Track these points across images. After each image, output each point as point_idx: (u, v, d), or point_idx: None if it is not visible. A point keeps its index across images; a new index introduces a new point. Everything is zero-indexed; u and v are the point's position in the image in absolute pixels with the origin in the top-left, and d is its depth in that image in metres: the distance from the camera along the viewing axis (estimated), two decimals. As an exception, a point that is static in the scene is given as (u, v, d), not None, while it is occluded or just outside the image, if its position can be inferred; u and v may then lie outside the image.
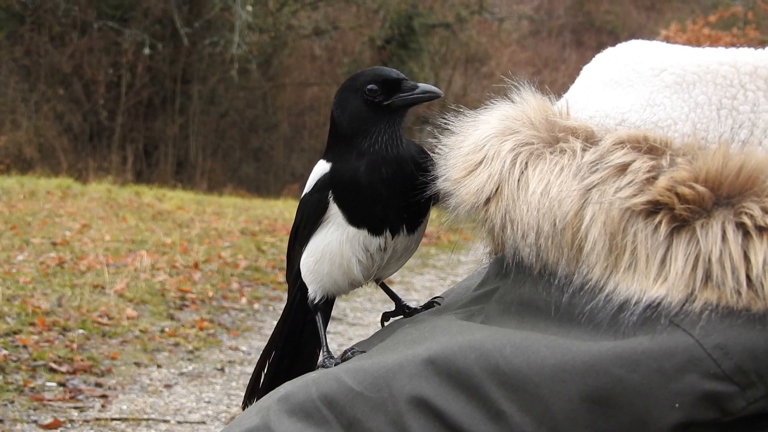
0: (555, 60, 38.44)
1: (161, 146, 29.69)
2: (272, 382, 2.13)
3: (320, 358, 2.01)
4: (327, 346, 2.04)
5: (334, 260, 1.94)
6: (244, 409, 2.17)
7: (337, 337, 8.61)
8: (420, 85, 1.96)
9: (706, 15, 30.30)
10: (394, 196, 1.85)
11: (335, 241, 1.93)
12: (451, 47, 32.60)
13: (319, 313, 2.07)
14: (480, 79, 32.40)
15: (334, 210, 1.92)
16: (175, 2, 28.56)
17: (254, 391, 2.18)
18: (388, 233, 1.90)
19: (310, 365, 2.20)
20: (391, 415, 1.36)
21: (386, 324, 2.03)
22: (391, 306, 2.08)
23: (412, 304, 2.09)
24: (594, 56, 1.69)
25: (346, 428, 1.39)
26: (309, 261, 1.98)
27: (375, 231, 1.90)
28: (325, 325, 2.12)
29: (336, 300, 2.14)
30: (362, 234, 1.91)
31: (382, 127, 1.94)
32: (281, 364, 2.18)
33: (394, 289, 2.19)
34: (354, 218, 1.91)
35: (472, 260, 1.83)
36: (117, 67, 28.33)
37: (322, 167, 1.96)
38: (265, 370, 2.19)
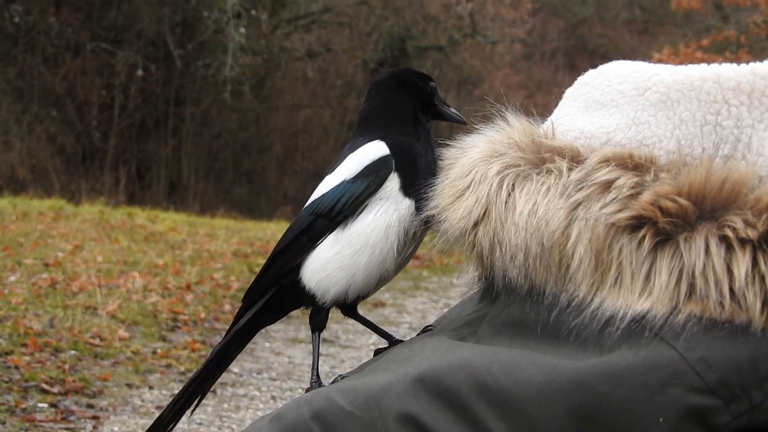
0: (548, 83, 38.45)
1: (154, 168, 29.66)
2: (187, 396, 2.13)
3: (310, 383, 2.00)
4: (317, 370, 2.03)
5: (377, 246, 1.93)
6: (156, 424, 2.16)
7: (329, 360, 8.60)
8: (451, 109, 2.09)
9: (698, 39, 30.35)
10: (428, 175, 1.84)
11: (383, 224, 1.93)
12: (444, 70, 32.61)
13: (317, 333, 2.06)
14: (473, 101, 32.40)
15: (390, 185, 1.94)
16: (168, 24, 28.59)
17: (175, 403, 2.14)
18: (422, 215, 1.87)
19: (212, 384, 2.21)
20: None
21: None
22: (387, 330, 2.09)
23: (405, 326, 2.09)
24: None
25: None
26: (344, 254, 1.95)
27: (418, 205, 1.89)
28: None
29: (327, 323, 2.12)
30: (410, 211, 1.92)
31: (428, 118, 2.05)
32: (201, 381, 2.14)
33: (386, 311, 2.20)
34: (409, 186, 1.92)
35: (464, 283, 1.84)
36: (110, 89, 28.30)
37: (375, 149, 1.98)
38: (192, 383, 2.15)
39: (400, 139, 1.97)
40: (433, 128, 2.04)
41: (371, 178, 1.94)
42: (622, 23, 48.78)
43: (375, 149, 1.98)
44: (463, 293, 1.90)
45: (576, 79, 1.70)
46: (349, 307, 2.09)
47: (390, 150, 1.96)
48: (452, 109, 2.07)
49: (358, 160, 1.98)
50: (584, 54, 45.20)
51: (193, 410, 2.20)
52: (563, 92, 1.72)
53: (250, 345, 7.35)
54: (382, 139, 1.98)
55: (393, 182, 1.94)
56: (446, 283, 14.18)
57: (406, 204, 1.93)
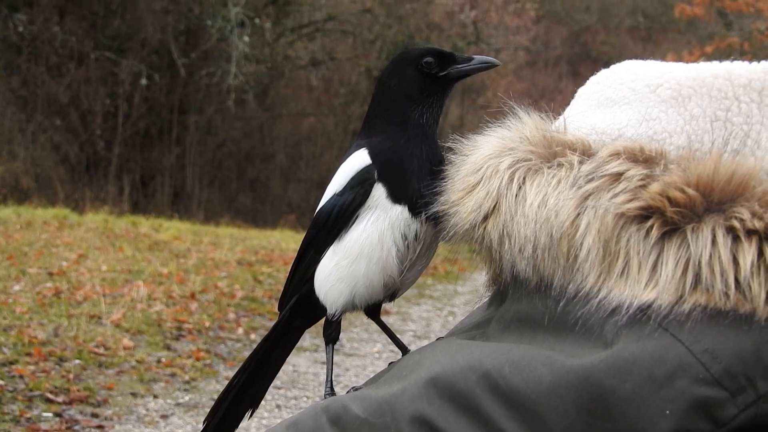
0: (551, 90, 38.49)
1: (158, 176, 29.71)
2: (230, 402, 2.15)
3: (324, 395, 2.01)
4: (332, 383, 2.06)
5: (373, 255, 1.93)
6: (205, 424, 2.19)
7: (333, 368, 8.59)
8: (475, 57, 2.01)
9: (702, 46, 30.42)
10: (425, 175, 1.87)
11: (376, 232, 1.93)
12: (447, 78, 32.57)
13: (330, 345, 2.08)
14: (476, 109, 32.47)
15: (377, 194, 1.93)
16: (172, 33, 28.65)
17: (216, 409, 2.18)
18: (422, 217, 1.89)
19: (261, 390, 2.22)
20: None
21: None
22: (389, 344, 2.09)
23: (409, 334, 2.09)
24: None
25: None
26: (342, 265, 1.97)
27: (413, 210, 1.90)
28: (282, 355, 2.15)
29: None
30: (403, 216, 1.91)
31: (434, 100, 1.99)
32: (242, 386, 2.17)
33: (391, 319, 2.20)
34: (397, 192, 1.92)
35: (468, 291, 1.84)
36: (114, 98, 28.37)
37: (358, 159, 1.98)
38: (230, 390, 2.18)
39: (386, 145, 1.96)
40: (438, 124, 2.00)
41: (357, 190, 1.95)
42: (625, 30, 48.86)
43: (358, 160, 1.98)
44: (467, 301, 1.90)
45: (582, 84, 1.70)
46: (371, 311, 2.10)
47: (372, 159, 1.96)
48: (473, 61, 2.02)
49: (345, 171, 1.99)
50: (588, 61, 45.22)
51: (251, 416, 2.23)
52: (567, 99, 1.72)
53: (254, 354, 7.23)
54: (367, 147, 1.98)
55: (379, 191, 1.94)
56: (450, 291, 14.20)
57: (398, 210, 1.92)
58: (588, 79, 1.70)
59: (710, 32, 34.40)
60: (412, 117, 1.98)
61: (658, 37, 45.98)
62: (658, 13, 46.79)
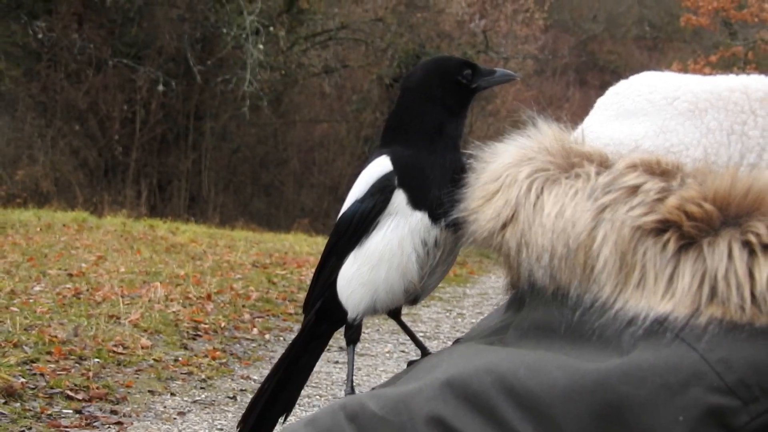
0: (559, 98, 38.35)
1: (174, 181, 29.74)
2: (262, 408, 2.18)
3: (344, 392, 2.04)
4: (352, 383, 2.08)
5: (393, 261, 1.95)
6: (239, 429, 2.21)
7: (345, 367, 8.62)
8: (497, 69, 2.03)
9: (707, 55, 30.34)
10: (445, 183, 1.87)
11: (396, 239, 1.94)
12: (457, 85, 32.47)
13: (351, 346, 2.09)
14: (486, 116, 32.43)
15: (397, 200, 1.94)
16: (189, 41, 28.66)
17: (248, 414, 2.20)
18: (442, 224, 1.90)
19: (293, 395, 2.24)
20: None
21: None
22: (405, 341, 2.11)
23: (419, 335, 2.10)
24: (597, 94, 1.72)
25: None
26: (363, 270, 1.98)
27: (433, 217, 1.91)
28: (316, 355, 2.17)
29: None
30: (423, 222, 1.93)
31: (466, 110, 2.02)
32: (274, 389, 2.19)
33: (403, 320, 2.22)
34: (417, 199, 1.93)
35: (477, 293, 1.86)
36: (131, 104, 28.39)
37: (379, 166, 1.99)
38: (261, 395, 2.20)
39: (407, 153, 1.97)
40: (463, 135, 2.01)
41: (377, 197, 1.96)
42: (631, 40, 48.79)
43: (379, 167, 1.99)
44: (476, 303, 1.91)
45: (588, 95, 1.71)
46: (392, 313, 2.13)
47: (394, 166, 1.97)
48: (497, 74, 2.05)
49: (365, 179, 2.00)
50: (595, 70, 45.20)
51: (285, 420, 2.25)
52: (574, 107, 1.73)
53: (269, 353, 7.32)
54: (389, 154, 1.99)
55: (399, 198, 1.94)
56: (460, 294, 14.17)
57: (418, 216, 1.93)
58: (594, 87, 1.71)
59: (715, 42, 34.36)
60: (447, 127, 1.98)
61: (664, 46, 45.89)
62: (664, 23, 46.71)
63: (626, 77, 1.69)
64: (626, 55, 46.21)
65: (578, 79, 43.54)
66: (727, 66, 28.63)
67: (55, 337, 8.13)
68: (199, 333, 9.50)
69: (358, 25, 32.60)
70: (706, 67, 27.74)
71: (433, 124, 1.99)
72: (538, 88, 38.57)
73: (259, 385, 2.24)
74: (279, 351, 8.98)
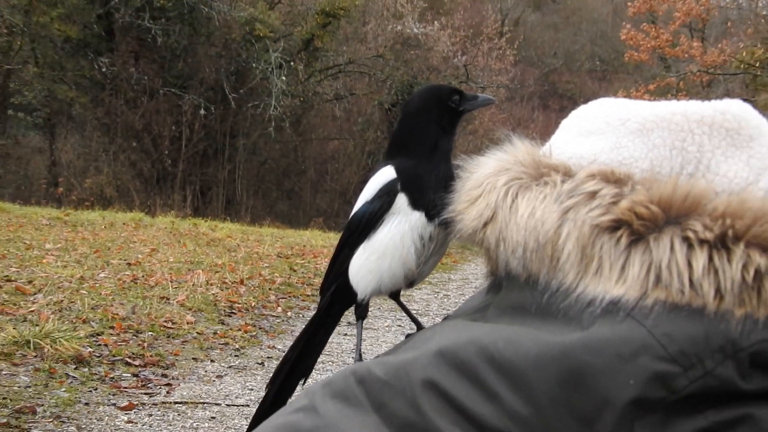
0: (526, 120, 38.31)
1: (213, 187, 29.71)
2: (286, 373, 2.18)
3: (354, 360, 2.02)
4: (360, 352, 2.09)
5: (396, 252, 1.95)
6: (267, 389, 2.21)
7: (352, 338, 8.61)
8: (479, 95, 2.05)
9: (646, 84, 30.30)
10: (439, 188, 1.87)
11: (398, 234, 1.95)
12: (443, 109, 32.42)
13: (360, 321, 2.10)
14: (466, 135, 32.34)
15: (400, 202, 1.95)
16: (225, 73, 28.68)
17: (275, 378, 2.21)
18: (436, 222, 1.91)
19: (310, 363, 2.23)
20: (409, 397, 1.37)
21: None
22: (401, 317, 2.11)
23: (413, 312, 2.09)
24: (558, 117, 1.70)
25: (376, 410, 1.39)
26: (371, 259, 1.99)
27: (429, 216, 1.92)
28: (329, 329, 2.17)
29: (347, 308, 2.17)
30: (421, 220, 1.93)
31: (454, 129, 2.02)
32: (296, 359, 2.19)
33: (401, 300, 2.22)
34: (416, 201, 1.93)
35: (459, 278, 1.85)
36: (178, 125, 28.36)
37: (385, 174, 1.99)
38: (285, 363, 2.20)
39: (409, 163, 1.97)
40: (453, 148, 2.01)
41: (383, 199, 1.96)
42: (585, 72, 48.78)
43: (385, 175, 1.99)
44: (459, 286, 1.90)
45: (549, 117, 1.71)
46: (393, 294, 2.13)
47: (398, 174, 1.97)
48: (479, 98, 2.06)
49: (373, 184, 2.00)
50: (555, 96, 45.18)
51: (304, 384, 2.25)
52: (539, 127, 1.73)
53: (290, 327, 7.28)
54: (393, 164, 1.99)
55: (401, 200, 1.95)
56: (445, 279, 14.17)
57: (416, 216, 1.93)
58: (554, 110, 1.71)
59: (653, 73, 34.32)
60: (441, 142, 1.99)
61: (612, 77, 45.87)
62: (611, 58, 46.73)
63: (581, 103, 1.68)
64: (581, 85, 46.20)
65: (541, 104, 43.48)
66: (662, 93, 28.62)
67: (117, 314, 8.13)
68: (233, 311, 9.50)
69: (363, 60, 32.61)
70: (645, 94, 27.71)
71: (429, 140, 1.99)
72: (509, 112, 38.56)
73: (283, 354, 2.24)
74: (299, 325, 8.99)
